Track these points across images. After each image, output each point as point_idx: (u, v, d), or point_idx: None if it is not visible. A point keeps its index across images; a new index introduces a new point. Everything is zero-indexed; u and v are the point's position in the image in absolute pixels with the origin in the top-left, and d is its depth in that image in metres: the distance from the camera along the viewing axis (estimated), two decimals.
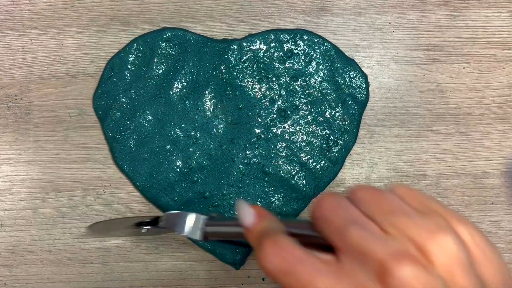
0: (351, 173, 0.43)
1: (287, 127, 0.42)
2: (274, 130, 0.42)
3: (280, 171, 0.42)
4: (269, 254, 0.23)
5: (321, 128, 0.42)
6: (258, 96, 0.43)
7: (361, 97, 0.43)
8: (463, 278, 0.20)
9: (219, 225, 0.32)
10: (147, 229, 0.38)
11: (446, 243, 0.21)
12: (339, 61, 0.43)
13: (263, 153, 0.42)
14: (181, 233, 0.34)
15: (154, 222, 0.37)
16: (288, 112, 0.42)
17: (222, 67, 0.43)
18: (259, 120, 0.42)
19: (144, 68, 0.43)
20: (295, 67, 0.43)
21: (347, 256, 0.22)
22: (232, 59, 0.43)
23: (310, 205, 0.25)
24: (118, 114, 0.42)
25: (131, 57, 0.43)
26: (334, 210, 0.24)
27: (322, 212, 0.24)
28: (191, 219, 0.34)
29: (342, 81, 0.43)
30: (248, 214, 0.28)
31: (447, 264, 0.21)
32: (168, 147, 0.42)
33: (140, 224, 0.38)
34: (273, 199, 0.42)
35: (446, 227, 0.22)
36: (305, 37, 0.43)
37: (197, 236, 0.33)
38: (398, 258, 0.21)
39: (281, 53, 0.43)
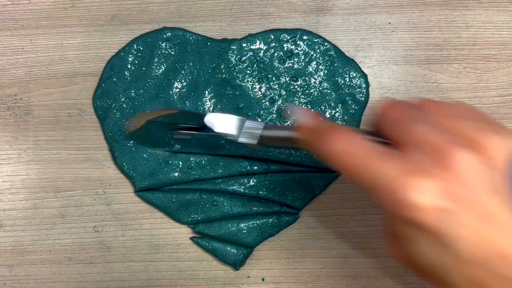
0: None
1: None
2: None
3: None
4: (335, 140, 0.25)
5: None
6: (258, 96, 0.43)
7: (361, 97, 0.43)
8: None
9: (275, 129, 0.31)
10: (193, 134, 0.34)
11: (503, 141, 0.23)
12: (339, 61, 0.43)
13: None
14: (235, 138, 0.32)
15: (201, 126, 0.33)
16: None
17: (222, 67, 0.43)
18: (259, 120, 0.42)
19: (144, 68, 0.43)
20: (295, 67, 0.43)
21: (409, 147, 0.24)
22: (232, 59, 0.43)
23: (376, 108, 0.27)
24: (118, 114, 0.42)
25: (131, 57, 0.43)
26: (401, 109, 0.26)
27: (390, 111, 0.26)
28: (245, 123, 0.32)
29: (342, 81, 0.43)
30: (303, 113, 0.29)
31: (503, 160, 0.23)
32: None
33: (184, 129, 0.35)
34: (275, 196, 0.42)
35: (503, 130, 0.24)
36: (305, 37, 0.43)
37: (254, 140, 0.31)
38: (458, 145, 0.23)
39: (281, 53, 0.43)
